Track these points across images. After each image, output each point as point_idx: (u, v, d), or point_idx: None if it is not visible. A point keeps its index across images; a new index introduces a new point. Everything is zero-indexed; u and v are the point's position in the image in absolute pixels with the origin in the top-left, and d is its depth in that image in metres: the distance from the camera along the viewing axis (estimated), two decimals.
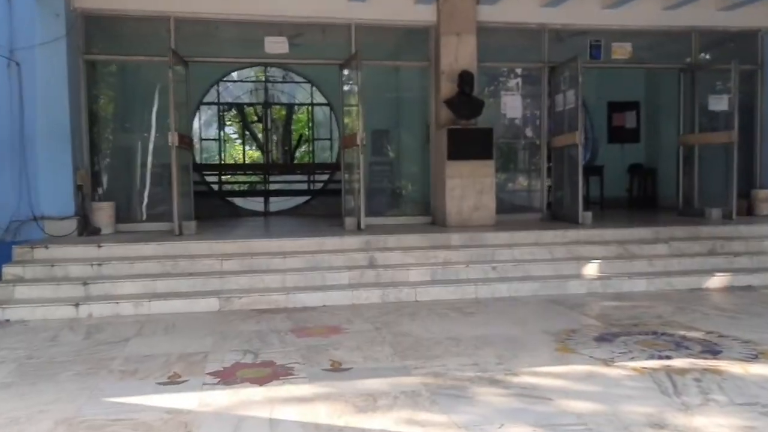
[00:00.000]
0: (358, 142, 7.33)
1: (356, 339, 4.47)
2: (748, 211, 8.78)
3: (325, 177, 11.07)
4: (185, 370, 3.78)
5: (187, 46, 7.79)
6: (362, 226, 7.39)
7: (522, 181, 9.14)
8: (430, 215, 8.43)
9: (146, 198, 8.20)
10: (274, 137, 14.55)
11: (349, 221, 7.52)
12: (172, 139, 6.88)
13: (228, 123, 17.24)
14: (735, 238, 7.21)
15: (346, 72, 8.13)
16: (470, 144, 7.76)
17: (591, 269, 6.49)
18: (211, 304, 5.58)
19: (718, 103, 8.73)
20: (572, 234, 7.10)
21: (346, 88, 8.22)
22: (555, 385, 3.43)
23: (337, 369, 3.78)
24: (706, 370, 3.58)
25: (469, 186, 7.77)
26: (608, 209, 10.90)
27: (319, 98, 11.58)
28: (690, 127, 9.12)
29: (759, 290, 6.13)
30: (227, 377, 3.65)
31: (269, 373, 3.70)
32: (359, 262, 6.37)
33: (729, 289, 6.20)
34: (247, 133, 15.48)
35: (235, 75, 12.10)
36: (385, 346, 4.28)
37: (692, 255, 6.84)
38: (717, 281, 6.33)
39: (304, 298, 5.73)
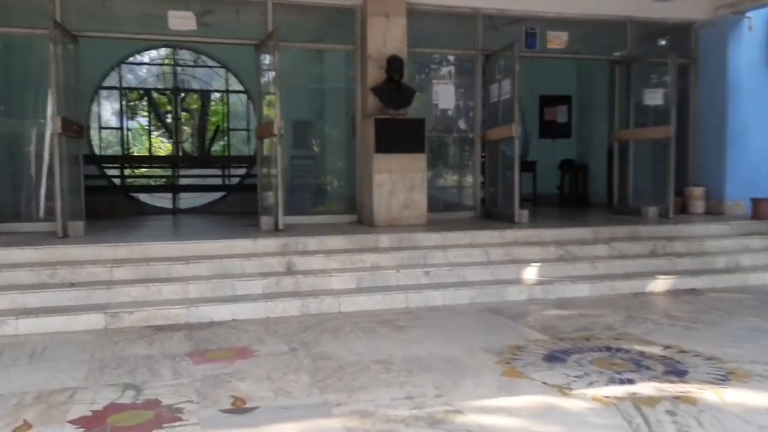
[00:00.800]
0: (275, 131, 6.56)
1: (267, 364, 3.75)
2: (682, 209, 8.60)
3: (242, 171, 10.19)
4: (40, 417, 2.95)
5: (76, 19, 6.78)
6: (280, 226, 6.63)
7: (455, 176, 8.63)
8: (357, 214, 7.77)
9: (28, 194, 7.11)
10: (187, 128, 13.51)
11: (265, 221, 6.74)
12: (54, 125, 5.90)
13: (143, 113, 16.04)
14: (675, 238, 6.93)
15: (262, 55, 7.32)
16: (400, 136, 7.14)
17: (531, 273, 6.01)
18: (95, 321, 4.70)
19: (654, 97, 8.50)
20: (509, 234, 6.61)
21: (262, 72, 7.42)
22: (508, 426, 2.83)
23: (239, 409, 3.05)
24: (677, 399, 3.08)
25: (399, 182, 7.16)
26: (541, 206, 10.60)
27: (236, 85, 10.67)
28: (624, 122, 8.87)
29: (705, 294, 5.81)
30: (93, 426, 2.85)
31: (150, 419, 2.92)
32: (275, 268, 5.63)
33: (674, 293, 5.86)
34: (159, 123, 14.25)
35: (146, 58, 11.01)
36: (301, 373, 3.57)
37: (634, 256, 6.49)
38: (661, 284, 5.98)
39: (210, 311, 4.94)
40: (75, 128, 6.56)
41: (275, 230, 6.64)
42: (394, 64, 7.20)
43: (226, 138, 10.97)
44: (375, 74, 7.35)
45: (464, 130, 8.33)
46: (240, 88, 10.60)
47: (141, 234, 6.73)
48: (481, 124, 8.22)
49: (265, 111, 7.40)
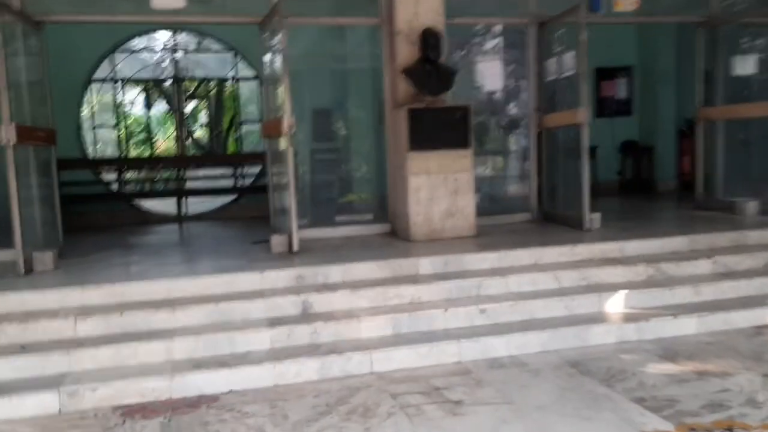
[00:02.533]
0: (285, 129, 5.31)
1: None
2: None
3: (256, 170, 8.99)
4: None
5: (39, 1, 5.61)
6: (295, 247, 5.40)
7: (504, 172, 7.28)
8: (389, 223, 6.50)
9: None
10: (200, 122, 12.40)
11: (277, 241, 5.52)
12: (6, 134, 4.73)
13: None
14: None
15: (267, 34, 6.05)
16: (439, 129, 5.82)
17: (617, 304, 4.69)
18: (48, 403, 3.56)
19: (748, 66, 6.99)
20: (583, 250, 5.27)
21: (268, 56, 6.15)
22: None
23: None
24: None
25: (440, 185, 5.85)
26: (600, 197, 9.15)
27: (247, 71, 9.42)
28: (707, 97, 7.34)
29: None
30: None
31: None
32: (288, 310, 4.41)
33: None
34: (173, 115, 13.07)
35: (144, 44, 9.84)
36: None
37: (746, 274, 5.10)
38: None
39: (200, 381, 3.76)
40: (40, 135, 5.41)
41: (289, 252, 5.42)
42: (429, 39, 5.86)
43: (236, 132, 9.71)
44: (406, 53, 6.02)
45: (515, 116, 6.98)
46: (251, 74, 9.34)
47: (125, 262, 5.55)
48: (536, 108, 6.84)
49: (271, 103, 6.15)
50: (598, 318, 4.54)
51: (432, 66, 5.89)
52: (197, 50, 9.48)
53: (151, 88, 12.84)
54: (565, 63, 6.32)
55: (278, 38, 5.42)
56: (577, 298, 4.68)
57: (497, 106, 7.05)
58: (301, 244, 5.55)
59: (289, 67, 5.43)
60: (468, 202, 5.94)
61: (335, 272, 4.80)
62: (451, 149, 5.85)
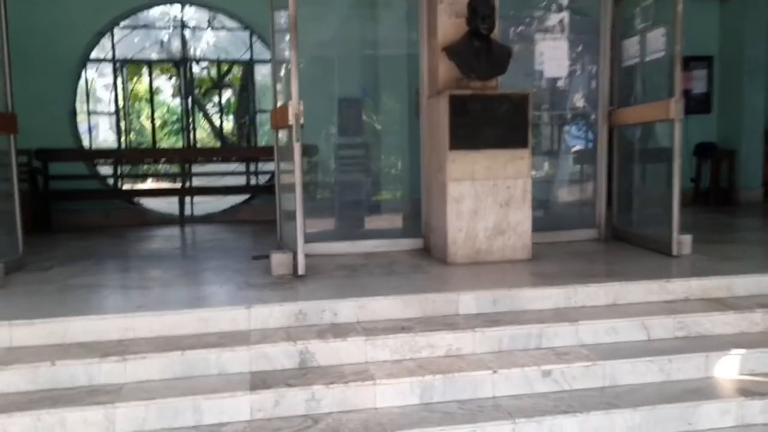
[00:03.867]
0: (290, 119, 4.18)
1: None
2: None
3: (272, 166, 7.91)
4: None
5: None
6: (300, 270, 4.27)
7: (565, 178, 6.02)
8: (422, 237, 5.33)
9: None
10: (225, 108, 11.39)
11: (278, 260, 4.39)
12: None
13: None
14: None
15: (277, 9, 4.94)
16: (489, 122, 4.61)
17: (731, 368, 3.45)
18: None
19: None
20: (677, 286, 4.01)
21: (278, 33, 5.04)
22: None
23: None
24: None
25: (488, 194, 4.65)
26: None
27: (265, 54, 8.34)
28: None
29: None
30: None
31: None
32: (278, 363, 3.29)
33: None
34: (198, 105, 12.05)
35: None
36: None
37: None
38: None
39: None
40: None
41: (293, 275, 4.30)
42: (480, 9, 4.63)
43: (250, 123, 8.64)
44: (449, 27, 4.82)
45: (581, 108, 5.72)
46: (269, 56, 8.25)
47: (87, 283, 4.46)
48: (608, 99, 5.57)
49: (280, 88, 5.04)
50: (707, 389, 3.30)
51: (482, 43, 4.68)
52: (210, 28, 8.41)
53: (169, 70, 11.86)
54: (650, 44, 5.04)
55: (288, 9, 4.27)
56: (676, 358, 3.44)
57: (558, 97, 5.80)
58: (311, 262, 4.44)
59: (300, 48, 4.32)
60: (523, 217, 4.72)
61: (347, 309, 3.65)
62: (503, 148, 4.64)
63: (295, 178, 4.20)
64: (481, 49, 4.69)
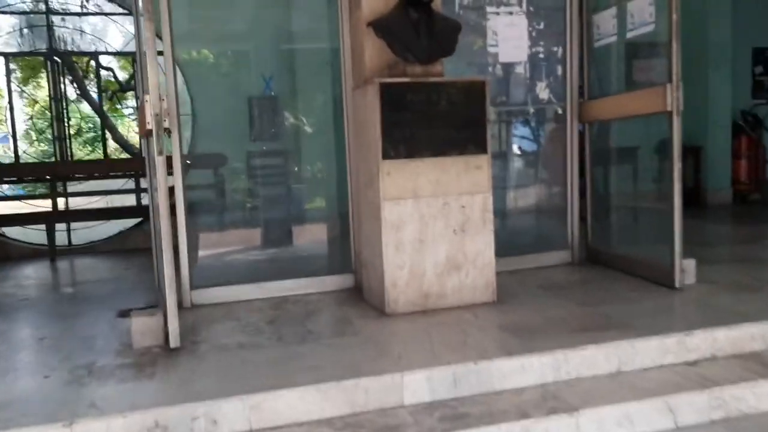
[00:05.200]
0: (150, 124, 2.87)
1: None
2: None
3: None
4: None
5: None
6: (173, 341, 2.97)
7: (529, 188, 4.91)
8: (353, 273, 4.12)
9: None
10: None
11: (141, 325, 3.05)
12: None
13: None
14: None
15: None
16: (437, 119, 3.44)
17: None
18: None
19: None
20: (700, 341, 2.93)
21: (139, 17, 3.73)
22: None
23: None
24: None
25: (438, 216, 3.47)
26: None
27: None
28: None
29: None
30: None
31: None
32: None
33: None
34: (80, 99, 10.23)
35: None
36: None
37: None
38: None
39: None
40: None
41: (163, 348, 2.99)
42: None
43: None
44: None
45: (545, 101, 4.62)
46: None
47: None
48: (579, 89, 4.50)
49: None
50: None
51: (421, 14, 3.50)
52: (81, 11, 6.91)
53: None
54: (632, 16, 3.99)
55: None
56: None
57: (516, 88, 4.68)
58: (198, 318, 3.20)
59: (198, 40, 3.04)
60: (484, 246, 3.56)
61: (234, 412, 2.38)
62: (455, 155, 3.47)
63: (160, 208, 2.89)
64: (420, 23, 3.51)
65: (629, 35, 4.07)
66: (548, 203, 4.81)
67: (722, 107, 7.79)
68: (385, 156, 3.38)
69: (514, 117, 4.79)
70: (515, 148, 4.83)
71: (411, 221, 3.44)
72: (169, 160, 3.02)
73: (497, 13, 4.34)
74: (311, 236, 4.84)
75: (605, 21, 4.29)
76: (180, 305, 3.56)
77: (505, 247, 4.04)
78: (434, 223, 3.47)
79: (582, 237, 4.61)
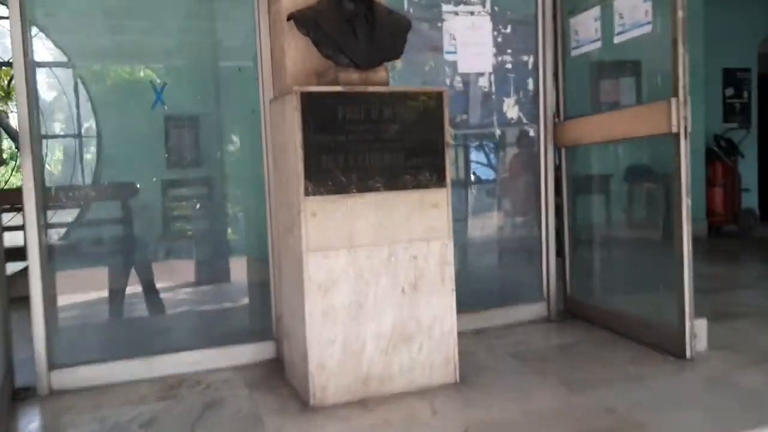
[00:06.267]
0: None
1: None
2: None
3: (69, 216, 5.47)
4: None
5: None
6: None
7: (495, 227, 4.08)
8: (275, 341, 3.20)
9: None
10: None
11: None
12: None
13: None
14: None
15: None
16: (380, 142, 2.58)
17: None
18: None
19: None
20: None
21: None
22: None
23: None
24: None
25: (381, 271, 2.60)
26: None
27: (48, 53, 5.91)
28: None
29: None
30: None
31: None
32: None
33: None
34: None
35: None
36: None
37: None
38: None
39: None
40: None
41: None
42: None
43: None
44: None
45: (513, 121, 3.82)
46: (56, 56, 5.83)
47: None
48: (555, 107, 3.74)
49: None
50: None
51: (359, 5, 2.67)
52: None
53: None
54: (624, 16, 3.26)
55: None
56: None
57: (479, 105, 3.89)
58: (48, 417, 2.27)
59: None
60: (444, 309, 2.70)
61: None
62: (404, 189, 2.62)
63: None
64: (358, 16, 2.67)
65: (617, 39, 3.32)
66: (518, 244, 4.00)
67: (695, 132, 7.20)
68: (310, 192, 2.49)
69: (476, 140, 3.98)
70: (477, 177, 4.01)
71: (345, 279, 2.55)
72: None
73: (455, 13, 3.53)
74: (224, 292, 3.88)
75: (585, 24, 3.55)
76: (33, 392, 2.63)
77: (467, 300, 3.19)
78: (377, 280, 2.59)
79: (559, 285, 3.80)
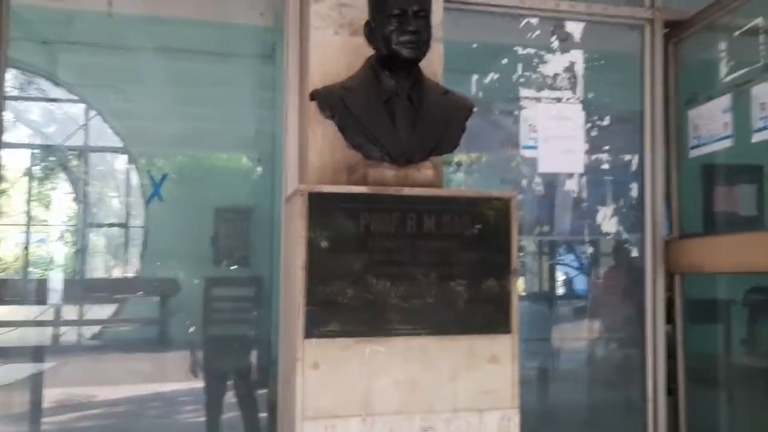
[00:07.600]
0: None
1: None
2: None
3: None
4: None
5: None
6: None
7: (582, 379, 3.18)
8: None
9: None
10: None
11: None
12: None
13: None
14: None
15: None
16: (416, 265, 1.85)
17: None
18: None
19: None
20: None
21: None
22: None
23: None
24: None
25: None
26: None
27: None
28: None
29: None
30: None
31: None
32: None
33: None
34: None
35: None
36: None
37: None
38: None
39: None
40: None
41: None
42: (394, 3, 2.01)
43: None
44: (333, 52, 2.20)
45: (611, 236, 3.00)
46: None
47: None
48: (668, 220, 2.90)
49: None
50: None
51: (401, 80, 2.02)
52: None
53: None
54: (764, 109, 2.46)
55: None
56: None
57: (564, 215, 3.10)
58: None
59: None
60: None
61: None
62: (446, 334, 1.85)
63: None
64: (399, 95, 2.02)
65: (757, 138, 2.51)
66: (616, 405, 3.06)
67: None
68: (312, 332, 1.76)
69: (557, 258, 3.17)
70: (559, 309, 3.17)
71: None
72: None
73: (537, 100, 2.83)
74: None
75: (710, 117, 2.75)
76: None
77: None
78: None
79: None
